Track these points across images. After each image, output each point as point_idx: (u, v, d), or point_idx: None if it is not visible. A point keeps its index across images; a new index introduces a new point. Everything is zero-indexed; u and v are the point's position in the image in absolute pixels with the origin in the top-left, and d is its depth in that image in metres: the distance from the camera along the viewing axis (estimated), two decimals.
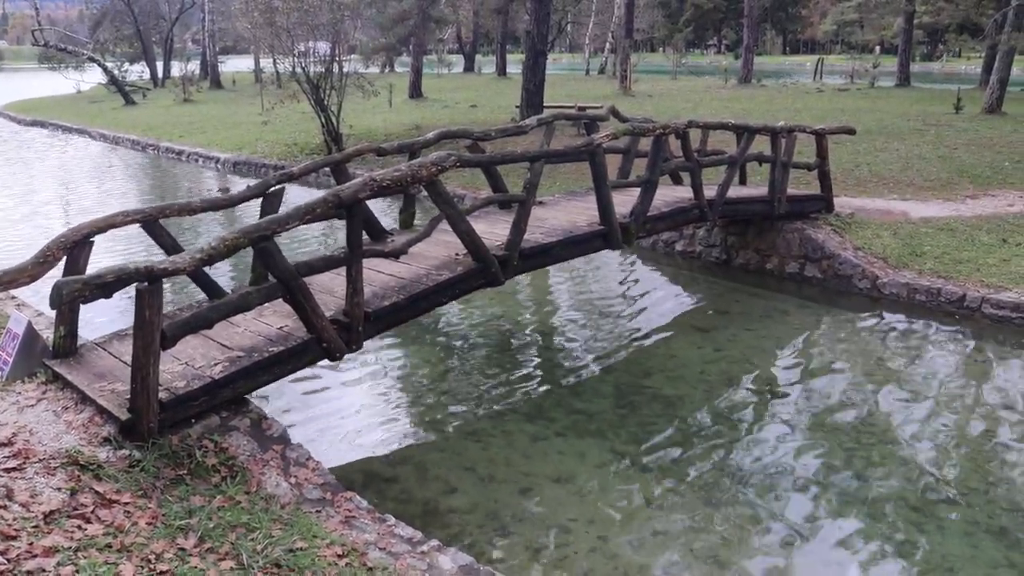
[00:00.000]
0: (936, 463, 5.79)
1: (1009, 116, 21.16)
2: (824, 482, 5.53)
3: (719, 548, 4.81)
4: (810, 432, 6.24)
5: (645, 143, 8.64)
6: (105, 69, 37.92)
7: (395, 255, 6.00)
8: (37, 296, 6.60)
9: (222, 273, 9.36)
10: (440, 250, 6.72)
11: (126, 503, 3.93)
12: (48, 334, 5.47)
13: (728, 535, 4.93)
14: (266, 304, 5.33)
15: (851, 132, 11.41)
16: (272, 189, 6.58)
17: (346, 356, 5.55)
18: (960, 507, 5.22)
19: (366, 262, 5.57)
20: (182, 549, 3.68)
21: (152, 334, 4.32)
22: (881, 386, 7.03)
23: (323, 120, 18.30)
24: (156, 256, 5.57)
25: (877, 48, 54.74)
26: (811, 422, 6.41)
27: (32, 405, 4.73)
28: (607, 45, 53.99)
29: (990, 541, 4.87)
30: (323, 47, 18.41)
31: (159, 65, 48.52)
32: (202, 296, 6.25)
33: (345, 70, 18.52)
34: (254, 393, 5.30)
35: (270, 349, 5.15)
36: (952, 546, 4.84)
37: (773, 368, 7.55)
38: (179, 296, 8.68)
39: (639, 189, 7.79)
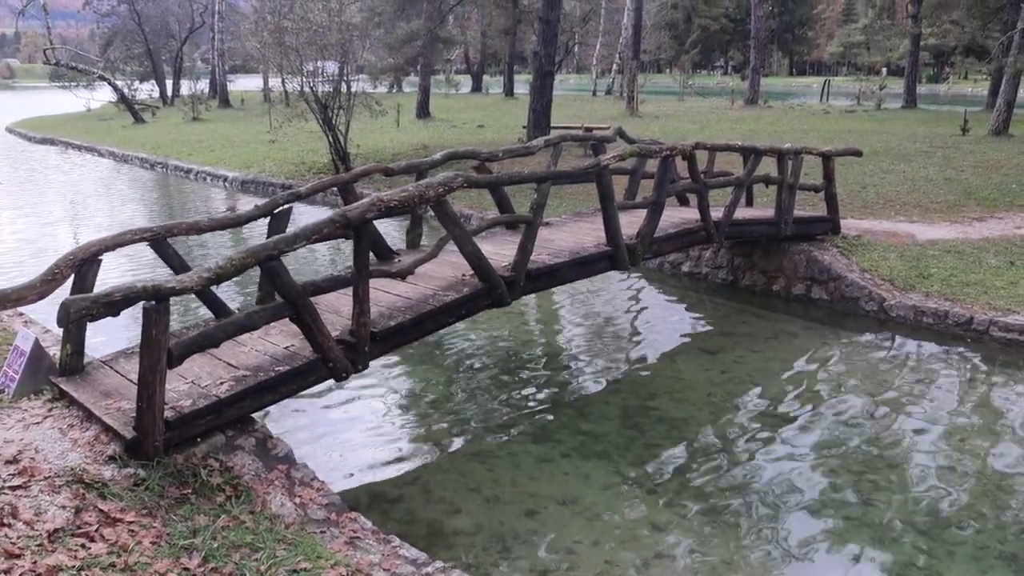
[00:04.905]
0: (944, 487, 5.73)
1: (1016, 138, 21.18)
2: (831, 505, 5.49)
3: (724, 571, 4.77)
4: (817, 455, 6.21)
5: (652, 164, 8.66)
6: (115, 87, 38.26)
7: (402, 275, 6.01)
8: (45, 313, 6.62)
9: (229, 292, 9.39)
10: (447, 270, 6.73)
11: (130, 522, 3.92)
12: (55, 351, 5.49)
13: (733, 558, 4.89)
14: (272, 323, 5.34)
15: (858, 154, 11.45)
16: (279, 208, 6.61)
17: (352, 376, 5.54)
18: (970, 532, 5.17)
19: (373, 282, 5.59)
20: (186, 569, 3.67)
21: (158, 353, 4.33)
22: (888, 409, 7.00)
23: (331, 139, 18.40)
24: (163, 274, 5.60)
25: (883, 70, 54.96)
26: (818, 445, 6.37)
27: (38, 422, 4.74)
28: (614, 66, 54.39)
29: (1001, 566, 4.82)
30: (331, 67, 18.54)
31: (168, 84, 49.01)
32: (209, 314, 6.27)
33: (353, 90, 18.64)
34: (260, 413, 5.30)
35: (276, 369, 5.15)
36: (961, 571, 4.79)
37: (780, 390, 7.51)
38: (186, 315, 8.71)
39: (646, 210, 7.81)
